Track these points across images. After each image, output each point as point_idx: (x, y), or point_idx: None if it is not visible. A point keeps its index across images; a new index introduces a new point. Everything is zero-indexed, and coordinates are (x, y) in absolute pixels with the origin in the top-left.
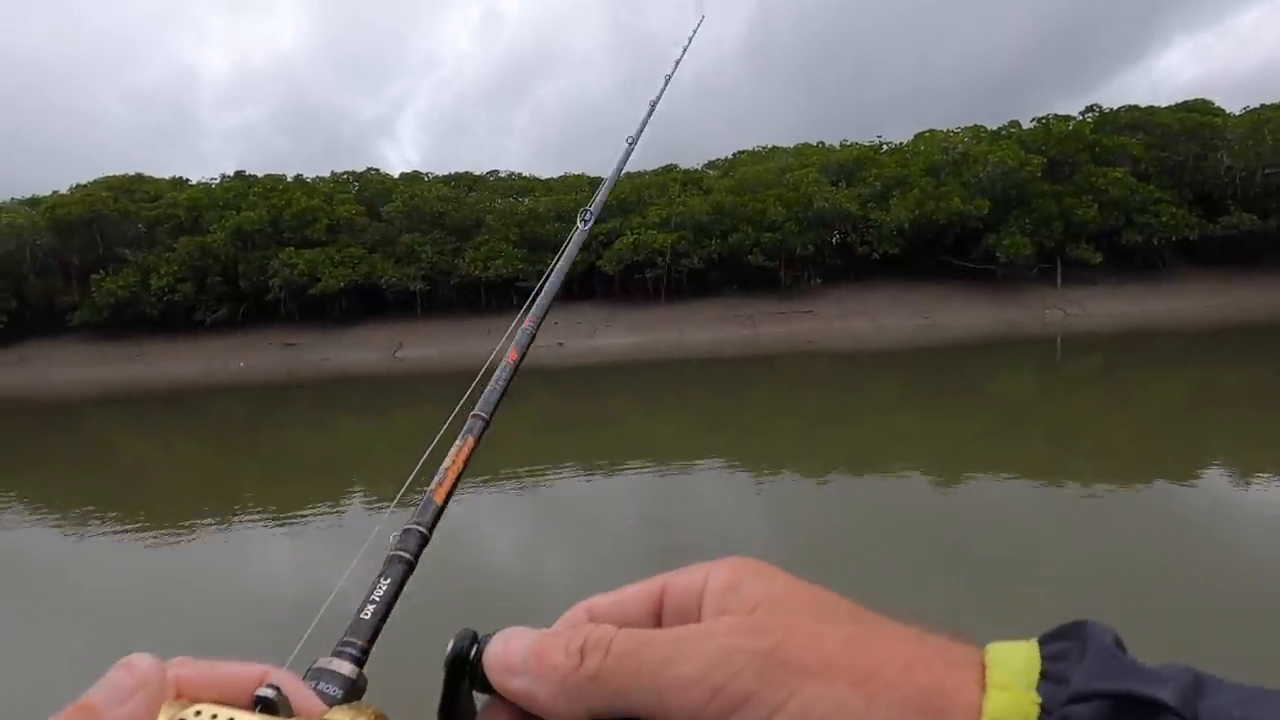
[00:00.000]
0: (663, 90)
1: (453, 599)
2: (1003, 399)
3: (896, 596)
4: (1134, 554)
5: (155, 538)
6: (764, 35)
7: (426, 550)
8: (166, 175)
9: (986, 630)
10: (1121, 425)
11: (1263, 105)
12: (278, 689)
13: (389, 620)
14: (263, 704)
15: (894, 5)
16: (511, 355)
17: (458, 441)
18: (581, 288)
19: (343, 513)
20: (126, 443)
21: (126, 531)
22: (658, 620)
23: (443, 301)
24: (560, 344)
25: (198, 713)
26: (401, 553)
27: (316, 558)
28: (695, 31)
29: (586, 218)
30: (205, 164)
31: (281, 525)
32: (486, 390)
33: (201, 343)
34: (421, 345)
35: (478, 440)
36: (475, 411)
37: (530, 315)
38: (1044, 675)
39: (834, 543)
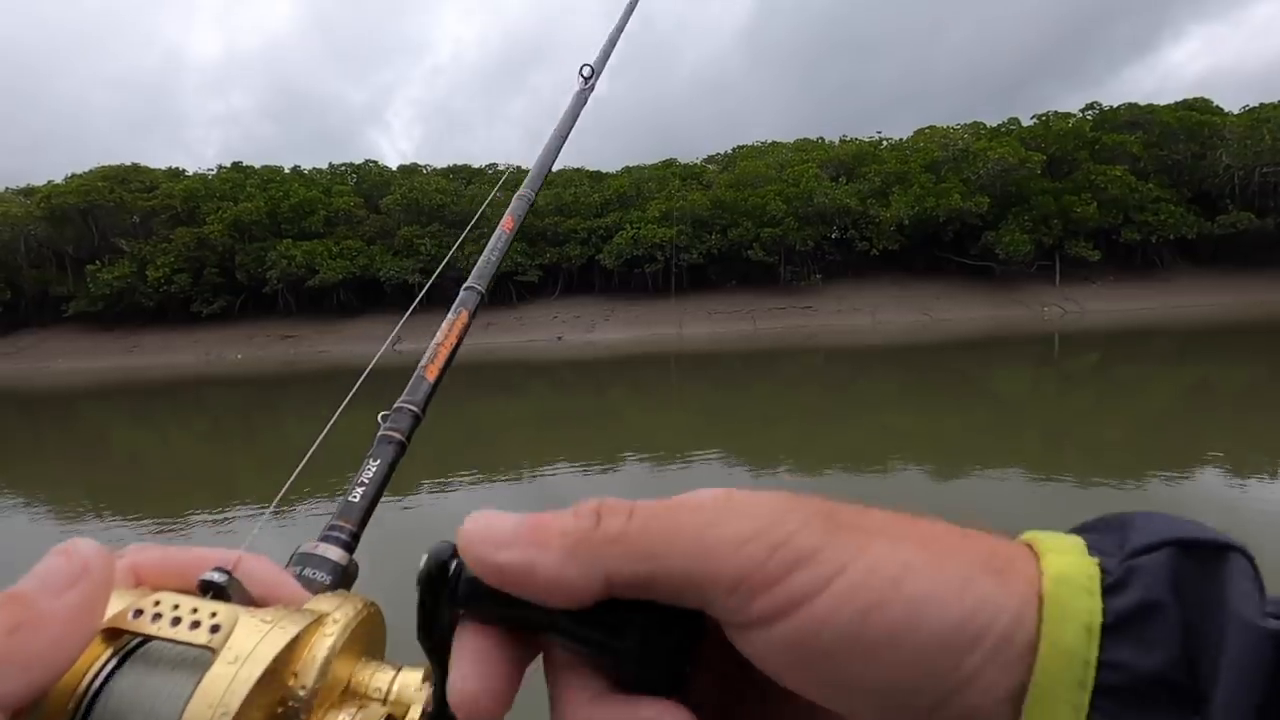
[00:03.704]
0: None
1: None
2: (1000, 396)
3: None
4: None
5: (147, 529)
6: (764, 29)
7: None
8: (151, 163)
9: None
10: (1119, 422)
11: (1261, 104)
12: (228, 573)
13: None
14: (210, 589)
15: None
16: (507, 224)
17: (450, 315)
18: (581, 282)
19: (334, 504)
20: (121, 434)
21: (118, 523)
22: None
23: (442, 294)
24: (559, 338)
25: (157, 602)
26: (392, 433)
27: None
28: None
29: (586, 74)
30: (190, 152)
31: (275, 516)
32: (480, 261)
33: (198, 334)
34: (421, 338)
35: (472, 315)
36: (469, 283)
37: (527, 183)
38: (1090, 548)
39: None
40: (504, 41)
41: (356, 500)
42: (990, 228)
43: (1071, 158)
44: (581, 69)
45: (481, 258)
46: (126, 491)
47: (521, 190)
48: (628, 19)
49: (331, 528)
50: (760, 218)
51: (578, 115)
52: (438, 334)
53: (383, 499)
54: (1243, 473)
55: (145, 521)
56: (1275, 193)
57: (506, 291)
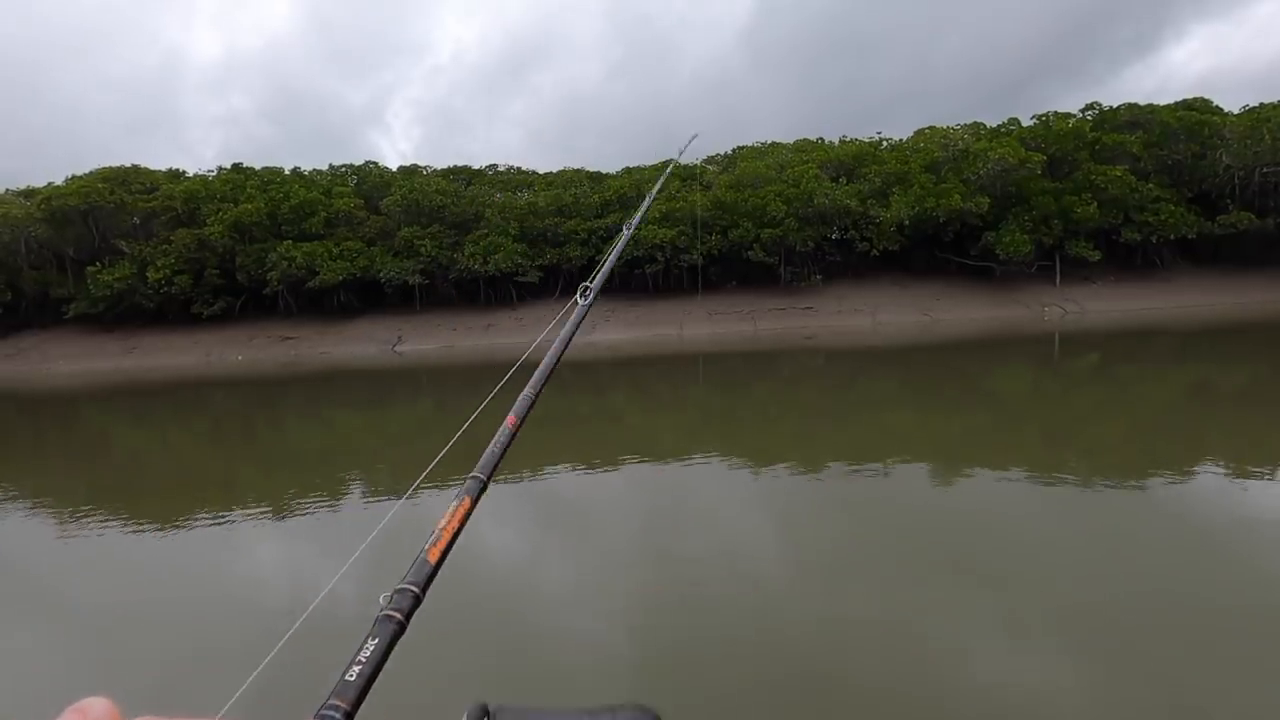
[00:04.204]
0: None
1: (448, 602)
2: (1001, 396)
3: (892, 596)
4: (1131, 551)
5: (149, 532)
6: (764, 28)
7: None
8: (151, 164)
9: (983, 630)
10: (1119, 423)
11: (1261, 104)
12: None
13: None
14: None
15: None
16: (510, 420)
17: (453, 501)
18: (581, 282)
19: (338, 508)
20: (122, 435)
21: (119, 525)
22: None
23: (442, 295)
24: None
25: None
26: (393, 613)
27: (310, 553)
28: (688, 144)
29: (585, 294)
30: (189, 153)
31: (278, 519)
32: (486, 452)
33: (199, 336)
34: (421, 339)
35: (474, 502)
36: (474, 473)
37: (532, 383)
38: None
39: (831, 541)
40: (504, 41)
41: (353, 679)
42: (990, 228)
43: (1072, 158)
44: (582, 289)
45: (487, 451)
46: (126, 493)
47: (526, 391)
48: (617, 254)
49: (328, 707)
50: (761, 218)
51: (579, 325)
52: (441, 519)
53: (381, 498)
54: (1243, 472)
55: (145, 523)
56: (1275, 192)
57: (506, 292)
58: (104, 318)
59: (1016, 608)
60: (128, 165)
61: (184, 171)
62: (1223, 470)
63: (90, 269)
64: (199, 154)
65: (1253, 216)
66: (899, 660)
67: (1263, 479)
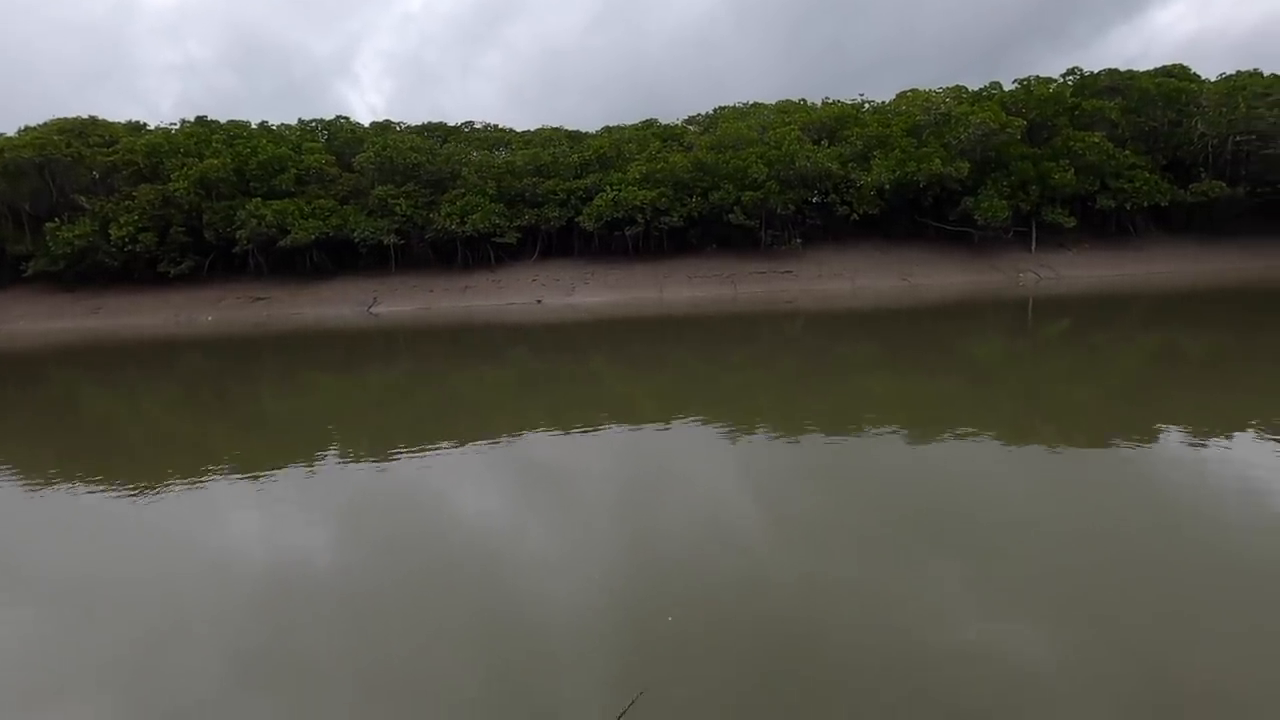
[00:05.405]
0: None
1: (425, 568)
2: (975, 360)
3: (872, 561)
4: (1102, 515)
5: (117, 497)
6: None
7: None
8: (103, 114)
9: (962, 593)
10: (1091, 387)
11: (1238, 72)
12: None
13: None
14: None
15: None
16: None
17: None
18: (560, 244)
19: (314, 471)
20: (87, 398)
21: (86, 491)
22: None
23: (418, 256)
24: (539, 301)
25: None
26: None
27: (287, 517)
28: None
29: None
30: (144, 103)
31: (252, 483)
32: None
33: (166, 296)
34: (397, 301)
35: None
36: None
37: None
38: None
39: (810, 506)
40: None
41: None
42: (969, 193)
43: (1051, 123)
44: None
45: None
46: (91, 457)
47: None
48: None
49: None
50: (742, 181)
51: None
52: None
53: (360, 463)
54: (1211, 436)
55: (110, 487)
56: (1247, 161)
57: (485, 254)
58: (65, 276)
59: (994, 570)
60: (84, 117)
61: (144, 124)
62: (1192, 434)
63: (49, 225)
64: (155, 105)
65: (1224, 185)
66: (879, 624)
67: (1229, 442)
